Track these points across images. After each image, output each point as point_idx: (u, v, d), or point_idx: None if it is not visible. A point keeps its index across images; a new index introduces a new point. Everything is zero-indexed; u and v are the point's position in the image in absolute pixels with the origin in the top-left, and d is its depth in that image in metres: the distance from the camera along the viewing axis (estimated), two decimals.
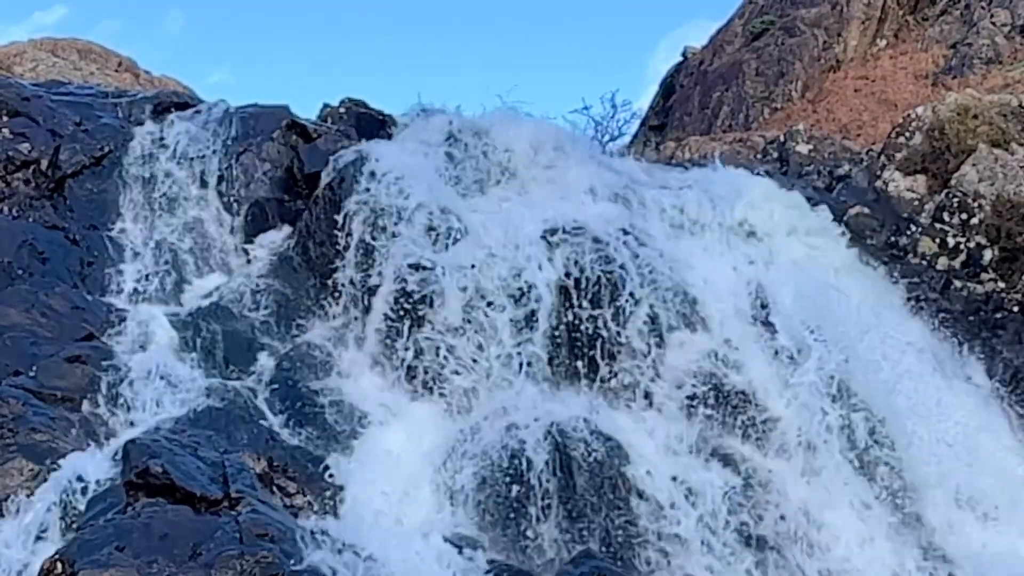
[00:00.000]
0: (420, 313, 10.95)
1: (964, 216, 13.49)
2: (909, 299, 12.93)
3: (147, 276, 11.73)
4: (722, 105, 25.27)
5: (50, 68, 22.75)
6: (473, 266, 11.12)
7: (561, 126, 14.65)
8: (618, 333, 10.98)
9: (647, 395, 10.82)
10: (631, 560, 9.60)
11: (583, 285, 11.12)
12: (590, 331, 10.99)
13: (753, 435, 10.74)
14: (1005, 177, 13.49)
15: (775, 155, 16.70)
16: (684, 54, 28.61)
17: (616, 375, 10.90)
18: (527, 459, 9.84)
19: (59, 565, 8.01)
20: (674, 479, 10.02)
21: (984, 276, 13.27)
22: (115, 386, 10.19)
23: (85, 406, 10.03)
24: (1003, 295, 13.16)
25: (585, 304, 11.06)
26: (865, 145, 17.85)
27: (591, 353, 10.94)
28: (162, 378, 10.34)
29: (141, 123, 13.02)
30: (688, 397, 10.80)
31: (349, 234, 11.50)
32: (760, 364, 11.08)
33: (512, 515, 9.74)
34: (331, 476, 9.81)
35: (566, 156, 12.93)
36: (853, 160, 15.83)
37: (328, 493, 9.70)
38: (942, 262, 13.41)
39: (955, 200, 13.58)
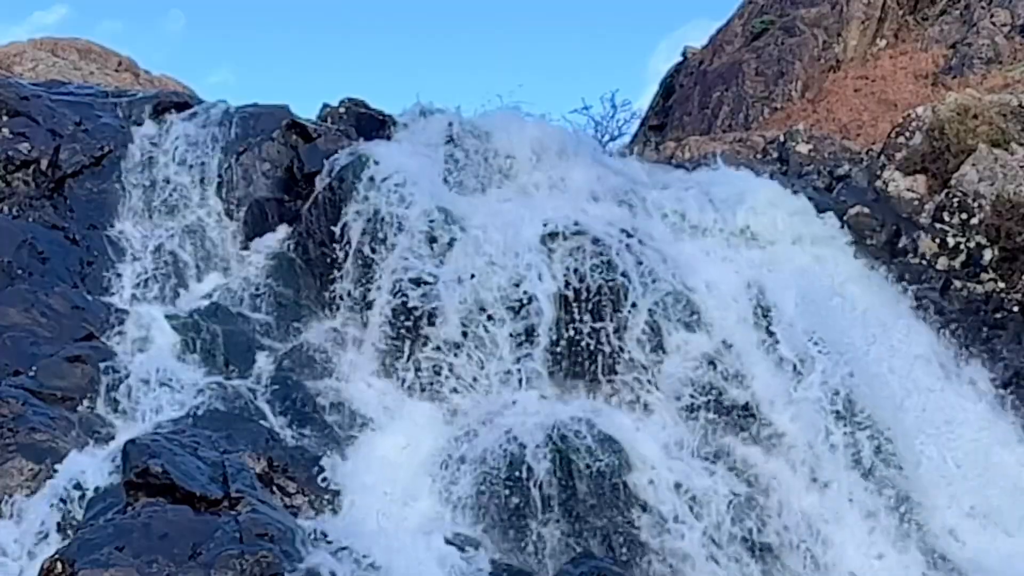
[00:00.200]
0: (421, 332, 10.90)
1: (964, 216, 13.49)
2: (916, 307, 12.75)
3: (147, 276, 11.73)
4: (722, 105, 25.25)
5: (50, 68, 22.74)
6: (473, 276, 11.02)
7: (564, 128, 14.57)
8: (620, 348, 10.85)
9: (647, 406, 10.71)
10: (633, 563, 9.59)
11: (584, 296, 11.02)
12: (592, 347, 10.89)
13: (757, 445, 10.61)
14: (1005, 177, 13.49)
15: (775, 155, 16.69)
16: (684, 54, 28.58)
17: (617, 390, 10.79)
18: (527, 466, 9.80)
19: (59, 565, 8.01)
20: (678, 487, 9.92)
21: (984, 276, 13.27)
22: (115, 386, 10.19)
23: (85, 406, 10.03)
24: (1003, 295, 13.16)
25: (586, 318, 10.95)
26: (865, 145, 17.83)
27: (592, 368, 10.86)
28: (162, 378, 10.34)
29: (141, 123, 13.01)
30: (688, 408, 10.67)
31: (348, 243, 11.47)
32: (764, 375, 10.93)
33: (513, 517, 9.74)
34: (331, 476, 9.80)
35: (569, 160, 12.81)
36: (853, 160, 15.83)
37: (328, 493, 9.70)
38: (942, 262, 13.41)
39: (955, 200, 13.58)
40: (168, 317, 11.09)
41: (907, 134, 14.52)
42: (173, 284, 11.73)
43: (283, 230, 12.14)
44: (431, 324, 10.88)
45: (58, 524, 8.75)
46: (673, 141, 21.83)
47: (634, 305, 10.99)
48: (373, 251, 11.36)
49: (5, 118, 12.62)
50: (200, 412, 10.03)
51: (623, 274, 11.13)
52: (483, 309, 10.94)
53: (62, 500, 8.87)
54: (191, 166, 12.58)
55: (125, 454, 8.88)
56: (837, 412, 10.86)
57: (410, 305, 10.95)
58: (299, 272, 11.72)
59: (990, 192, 13.45)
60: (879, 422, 10.91)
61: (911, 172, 14.18)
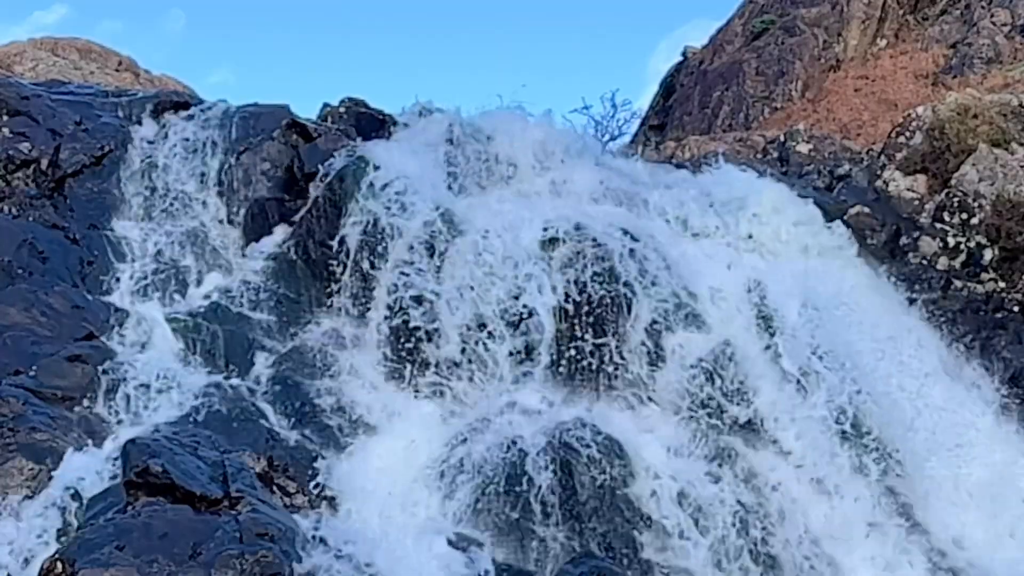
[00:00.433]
0: (422, 354, 10.86)
1: (964, 216, 13.49)
2: (924, 317, 12.54)
3: (147, 276, 11.72)
4: (722, 104, 25.26)
5: (50, 67, 22.73)
6: (472, 288, 10.95)
7: (567, 129, 14.43)
8: (622, 361, 10.75)
9: (647, 419, 10.60)
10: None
11: (585, 310, 10.91)
12: (594, 366, 10.80)
13: (761, 457, 10.47)
14: (1005, 177, 13.49)
15: (775, 155, 16.69)
16: (684, 54, 28.61)
17: (617, 400, 10.72)
18: (527, 476, 9.77)
19: (59, 564, 8.01)
20: (681, 497, 9.83)
21: (984, 276, 13.26)
22: (115, 386, 10.19)
23: (85, 406, 10.03)
24: (1003, 295, 13.16)
25: (588, 337, 10.85)
26: (865, 145, 17.85)
27: (593, 385, 10.78)
28: (162, 378, 10.34)
29: (141, 123, 13.01)
30: (691, 421, 10.55)
31: (346, 253, 11.44)
32: (769, 391, 10.76)
33: (515, 515, 9.73)
34: (332, 476, 9.80)
35: (572, 162, 12.67)
36: (853, 160, 15.83)
37: (329, 493, 9.69)
38: (942, 262, 13.40)
39: (955, 200, 13.58)
40: (168, 317, 11.09)
41: (907, 134, 14.52)
42: (173, 284, 11.72)
43: (283, 230, 12.13)
44: (429, 341, 10.81)
45: (58, 524, 8.74)
46: (673, 141, 21.83)
47: (636, 317, 10.84)
48: (372, 266, 11.30)
49: (5, 118, 12.62)
50: (200, 412, 10.04)
51: (626, 284, 10.98)
52: (483, 325, 10.82)
53: (62, 500, 8.86)
54: (191, 166, 12.58)
55: (125, 454, 8.87)
56: (843, 432, 10.69)
57: (412, 325, 10.88)
58: (299, 272, 11.72)
59: (990, 192, 13.45)
60: (888, 444, 10.71)
61: (911, 172, 14.18)
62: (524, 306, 10.88)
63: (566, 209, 11.80)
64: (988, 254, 13.31)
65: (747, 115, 24.63)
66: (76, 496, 8.88)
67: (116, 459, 9.03)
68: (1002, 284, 13.20)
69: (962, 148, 13.83)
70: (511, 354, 10.77)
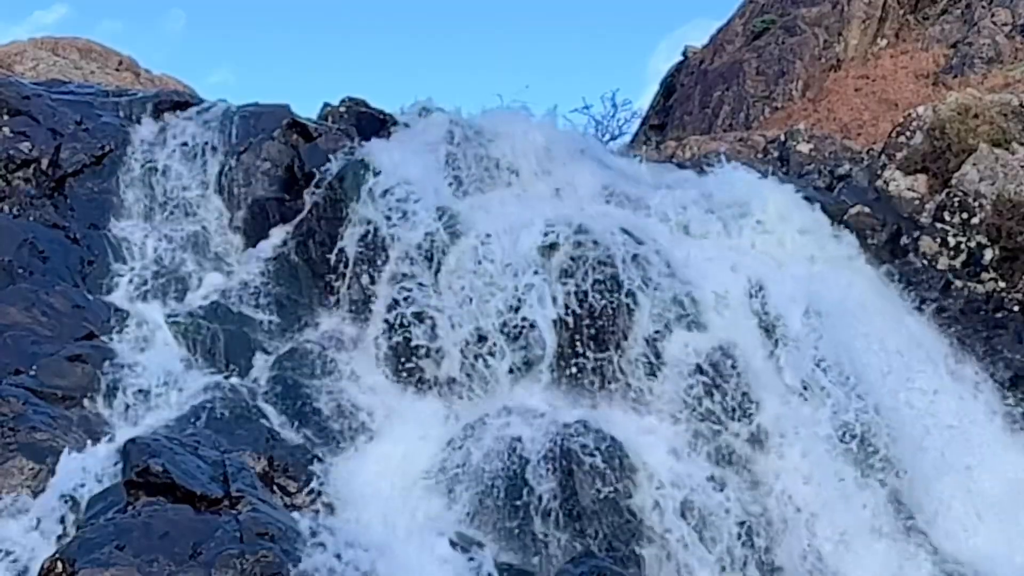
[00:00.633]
0: (421, 374, 10.83)
1: (965, 216, 13.48)
2: (939, 331, 12.37)
3: (148, 275, 11.72)
4: (723, 104, 25.24)
5: (50, 67, 22.71)
6: (471, 300, 10.89)
7: (570, 131, 14.30)
8: (622, 374, 10.69)
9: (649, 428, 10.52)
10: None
11: (587, 322, 10.85)
12: (597, 384, 10.75)
13: (764, 471, 10.36)
14: (1006, 177, 13.48)
15: (776, 154, 16.68)
16: (684, 53, 28.57)
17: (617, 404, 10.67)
18: (527, 482, 9.75)
19: (59, 564, 8.01)
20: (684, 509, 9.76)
21: (985, 276, 13.26)
22: (115, 385, 10.19)
23: (86, 405, 10.04)
24: (1004, 295, 13.15)
25: (589, 354, 10.79)
26: (866, 144, 17.82)
27: (594, 400, 10.73)
28: (163, 378, 10.34)
29: (141, 122, 13.00)
30: (694, 434, 10.46)
31: (345, 264, 11.41)
32: (774, 405, 10.64)
33: (515, 514, 9.73)
34: (332, 476, 9.80)
35: (575, 165, 12.59)
36: (854, 159, 15.82)
37: (329, 493, 9.69)
38: (943, 262, 13.40)
39: (956, 199, 13.57)
40: (169, 316, 11.09)
41: (908, 134, 14.51)
42: (174, 284, 11.72)
43: (284, 230, 12.12)
44: (429, 358, 10.79)
45: (58, 523, 8.74)
46: (674, 140, 21.80)
47: (639, 325, 10.73)
48: (372, 281, 11.27)
49: (6, 117, 12.62)
50: (201, 412, 10.03)
51: (628, 294, 10.88)
52: (483, 339, 10.76)
53: (62, 499, 8.86)
54: (192, 166, 12.58)
55: (125, 453, 8.88)
56: (850, 450, 10.60)
57: (413, 344, 10.85)
58: (300, 272, 11.72)
59: (991, 192, 13.44)
60: (896, 465, 10.58)
61: (912, 172, 14.17)
62: (524, 319, 10.79)
63: (567, 210, 11.74)
64: (988, 254, 13.30)
65: (747, 115, 24.60)
66: (76, 496, 8.88)
67: (116, 459, 9.04)
68: (1002, 284, 13.20)
69: (963, 148, 13.82)
70: (511, 371, 10.67)
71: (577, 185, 12.43)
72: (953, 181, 13.68)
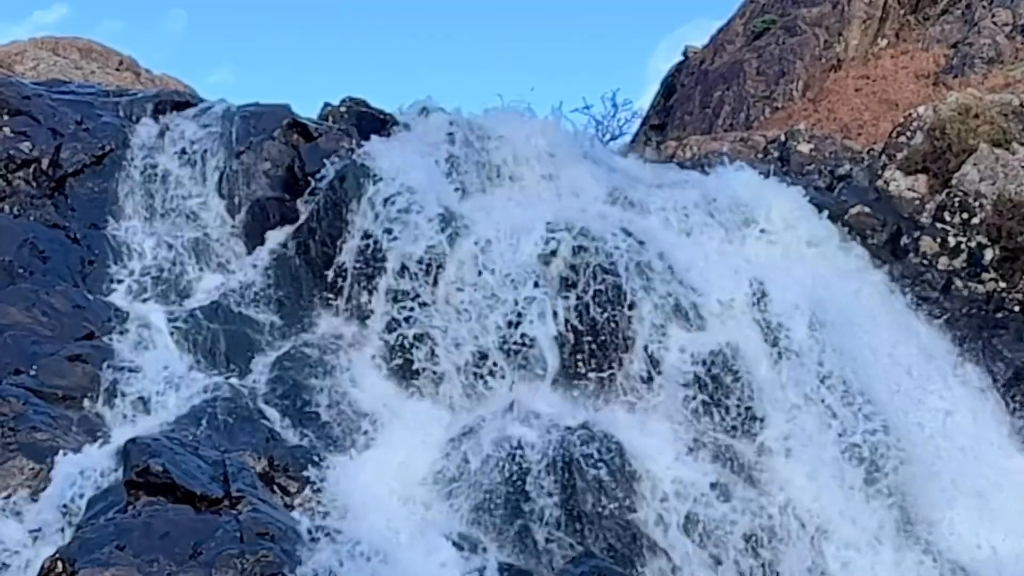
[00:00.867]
0: (421, 387, 10.81)
1: (965, 216, 13.48)
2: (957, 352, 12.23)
3: (148, 275, 11.72)
4: (723, 104, 25.22)
5: (51, 67, 22.70)
6: (470, 315, 10.83)
7: (573, 133, 14.20)
8: (625, 381, 10.65)
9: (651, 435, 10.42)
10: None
11: (588, 334, 10.80)
12: (600, 400, 10.69)
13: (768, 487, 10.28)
14: (1006, 177, 13.48)
15: (776, 154, 16.67)
16: (685, 53, 28.56)
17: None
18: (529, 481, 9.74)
19: (59, 564, 8.02)
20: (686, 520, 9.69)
21: (985, 276, 13.26)
22: (116, 385, 10.19)
23: (86, 405, 10.03)
24: (1004, 295, 13.15)
25: (591, 373, 10.76)
26: (866, 144, 17.81)
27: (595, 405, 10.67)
28: (163, 377, 10.34)
29: (142, 122, 13.00)
30: (696, 445, 10.38)
31: (344, 274, 11.39)
32: (779, 422, 10.58)
33: (515, 516, 9.73)
34: (332, 475, 9.79)
35: (578, 167, 12.50)
36: (854, 159, 15.81)
37: (329, 492, 9.68)
38: (943, 262, 13.40)
39: (956, 200, 13.57)
40: (169, 316, 11.09)
41: (908, 134, 14.51)
42: (174, 283, 11.72)
43: (284, 230, 12.12)
44: (430, 378, 10.76)
45: (59, 523, 8.74)
46: (674, 140, 21.79)
47: (645, 350, 10.65)
48: (371, 294, 11.25)
49: (6, 117, 12.61)
50: (201, 412, 10.03)
51: (631, 306, 10.84)
52: (483, 356, 10.69)
53: (63, 499, 8.86)
54: (192, 165, 12.57)
55: (126, 453, 8.88)
56: (858, 474, 10.51)
57: (414, 368, 10.81)
58: (300, 272, 11.71)
59: (991, 192, 13.44)
60: (907, 494, 10.50)
61: (912, 172, 14.17)
62: (523, 334, 10.72)
63: (569, 213, 11.62)
64: (989, 254, 13.30)
65: (748, 115, 24.59)
66: (76, 496, 8.88)
67: (117, 459, 9.04)
68: (1003, 284, 13.20)
69: (963, 148, 13.82)
70: (512, 388, 10.61)
71: (581, 190, 12.35)
72: (953, 181, 13.68)
